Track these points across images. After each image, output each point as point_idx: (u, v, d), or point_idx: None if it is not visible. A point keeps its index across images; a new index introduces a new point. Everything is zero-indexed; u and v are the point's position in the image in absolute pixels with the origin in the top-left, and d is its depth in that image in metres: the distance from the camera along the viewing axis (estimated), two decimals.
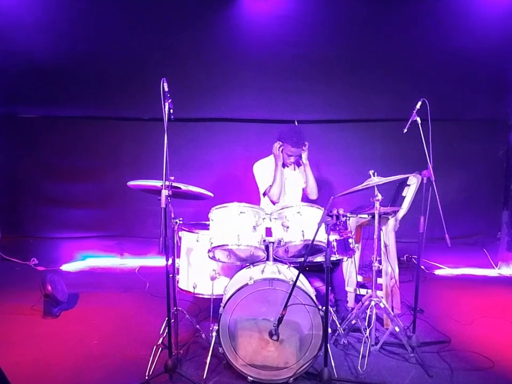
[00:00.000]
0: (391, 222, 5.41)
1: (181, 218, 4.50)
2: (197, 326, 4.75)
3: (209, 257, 4.43)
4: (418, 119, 4.57)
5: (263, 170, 5.54)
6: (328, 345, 3.98)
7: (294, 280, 3.85)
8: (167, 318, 4.11)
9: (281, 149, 5.41)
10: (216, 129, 7.50)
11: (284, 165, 5.53)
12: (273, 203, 5.46)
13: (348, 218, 4.95)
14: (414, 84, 7.01)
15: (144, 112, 7.29)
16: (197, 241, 4.72)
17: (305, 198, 5.70)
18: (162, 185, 3.89)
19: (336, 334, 4.72)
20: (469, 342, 4.82)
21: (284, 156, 5.44)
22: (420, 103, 4.55)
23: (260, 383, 4.04)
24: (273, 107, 7.28)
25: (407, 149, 6.80)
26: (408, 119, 4.62)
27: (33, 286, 5.64)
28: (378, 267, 4.62)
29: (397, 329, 4.48)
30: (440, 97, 6.55)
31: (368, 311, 4.51)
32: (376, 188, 4.47)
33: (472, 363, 4.40)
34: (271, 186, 5.46)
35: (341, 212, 4.28)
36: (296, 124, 5.73)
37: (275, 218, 4.42)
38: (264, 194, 5.57)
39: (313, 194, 5.66)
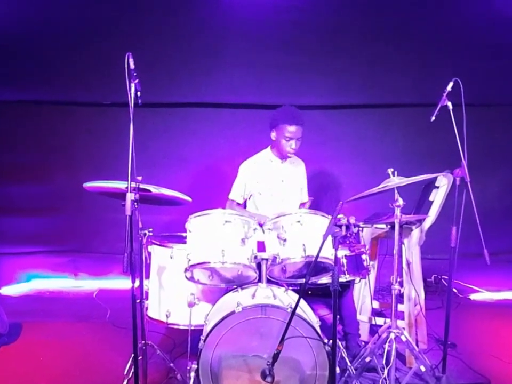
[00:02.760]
0: (415, 233, 5.42)
1: (150, 229, 4.50)
2: (171, 364, 4.74)
3: (186, 277, 4.42)
4: (449, 104, 4.57)
5: (249, 174, 5.53)
6: None
7: (293, 306, 3.85)
8: (133, 355, 4.11)
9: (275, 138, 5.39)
10: (195, 117, 7.52)
11: (283, 157, 5.50)
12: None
13: (360, 229, 4.96)
14: (444, 61, 7.03)
15: (105, 96, 7.30)
16: (171, 257, 4.71)
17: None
18: (127, 187, 3.88)
19: (346, 374, 4.71)
20: None
21: (282, 144, 5.40)
22: (451, 84, 4.55)
23: None
24: (267, 89, 7.29)
25: (435, 141, 6.83)
26: (437, 104, 4.63)
27: None
28: (399, 290, 4.61)
29: (422, 368, 4.48)
30: (476, 76, 6.56)
31: (386, 346, 4.50)
32: (396, 191, 4.47)
33: None
34: (238, 204, 5.54)
35: (352, 220, 4.29)
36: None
37: (269, 229, 4.42)
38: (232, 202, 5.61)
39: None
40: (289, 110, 5.35)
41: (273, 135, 5.39)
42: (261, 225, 4.54)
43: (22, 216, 7.62)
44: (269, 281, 4.45)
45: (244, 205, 5.68)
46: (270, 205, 5.51)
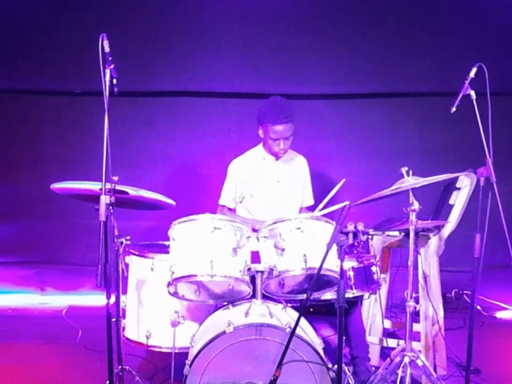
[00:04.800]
0: (433, 242, 5.42)
1: (128, 237, 4.49)
2: None
3: (169, 293, 4.40)
4: (472, 92, 4.57)
5: (238, 174, 5.54)
6: None
7: (293, 326, 3.85)
8: (108, 382, 4.10)
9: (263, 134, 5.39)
10: (180, 108, 7.50)
11: (276, 156, 5.50)
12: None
13: (370, 236, 4.96)
14: (466, 43, 7.03)
15: (75, 83, 7.28)
16: (152, 269, 4.70)
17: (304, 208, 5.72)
18: (101, 189, 3.87)
19: None
20: None
21: (269, 144, 5.39)
22: (474, 69, 4.54)
23: None
24: (262, 76, 7.28)
25: (456, 136, 6.84)
26: (458, 92, 4.62)
27: None
28: (415, 308, 4.61)
29: None
30: (503, 61, 6.57)
31: (399, 372, 4.50)
32: (411, 193, 4.47)
33: None
34: (229, 209, 5.54)
35: (360, 227, 4.28)
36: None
37: (265, 237, 4.39)
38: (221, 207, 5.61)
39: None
40: (274, 105, 5.31)
41: (260, 132, 5.42)
42: (255, 230, 4.52)
43: None
44: (264, 297, 4.42)
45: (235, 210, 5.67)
46: (264, 209, 5.50)
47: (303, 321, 4.19)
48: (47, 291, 7.76)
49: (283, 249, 4.24)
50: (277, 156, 5.49)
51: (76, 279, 7.65)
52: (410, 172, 4.50)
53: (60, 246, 7.72)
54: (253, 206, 5.54)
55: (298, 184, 5.68)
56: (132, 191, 4.19)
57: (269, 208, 5.48)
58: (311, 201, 5.82)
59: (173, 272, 4.26)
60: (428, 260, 5.37)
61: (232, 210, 5.59)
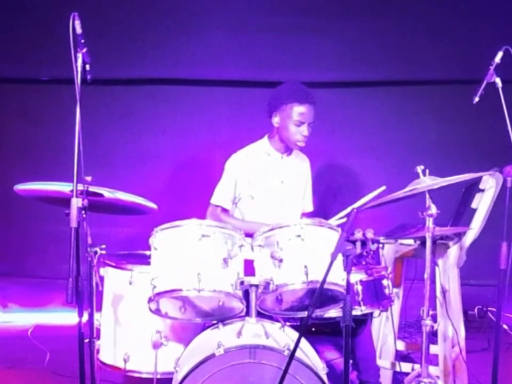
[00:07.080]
0: (453, 251, 5.42)
1: (103, 246, 4.47)
2: None
3: (150, 310, 4.40)
4: (497, 80, 4.57)
5: (240, 171, 5.49)
6: None
7: (292, 348, 3.85)
8: None
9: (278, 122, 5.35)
10: (161, 98, 7.50)
11: (289, 149, 5.47)
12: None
13: (381, 245, 4.96)
14: (490, 24, 7.03)
15: (42, 70, 7.28)
16: (130, 283, 4.69)
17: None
18: (72, 191, 3.87)
19: None
20: None
21: (290, 132, 5.31)
22: (500, 54, 4.55)
23: None
24: (259, 61, 7.28)
25: (479, 129, 6.84)
26: (482, 80, 4.62)
27: None
28: (432, 327, 4.61)
29: None
30: None
31: None
32: (428, 196, 4.47)
33: None
34: (223, 210, 5.46)
35: (370, 235, 4.28)
36: None
37: (260, 246, 4.37)
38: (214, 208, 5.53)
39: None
40: (296, 86, 5.32)
41: (276, 120, 5.31)
42: (249, 236, 4.49)
43: None
44: (259, 315, 4.40)
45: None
46: (264, 212, 5.45)
47: (303, 342, 4.19)
48: (9, 308, 7.75)
49: (281, 260, 4.21)
50: (296, 147, 5.39)
51: (43, 294, 7.64)
52: (427, 171, 4.49)
53: (24, 256, 7.72)
54: (250, 209, 5.48)
55: (301, 187, 5.67)
56: (107, 193, 4.19)
57: (268, 212, 5.44)
58: (310, 208, 5.80)
59: (155, 286, 4.24)
60: (447, 272, 5.38)
61: (226, 211, 5.53)
